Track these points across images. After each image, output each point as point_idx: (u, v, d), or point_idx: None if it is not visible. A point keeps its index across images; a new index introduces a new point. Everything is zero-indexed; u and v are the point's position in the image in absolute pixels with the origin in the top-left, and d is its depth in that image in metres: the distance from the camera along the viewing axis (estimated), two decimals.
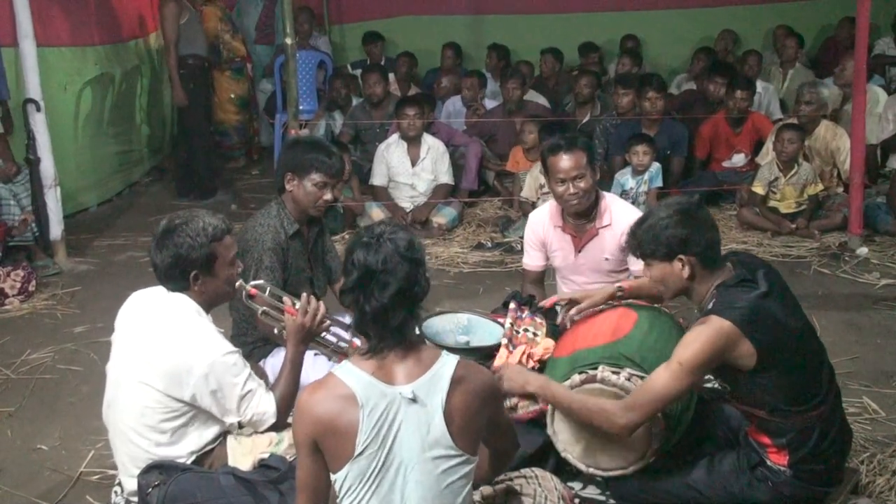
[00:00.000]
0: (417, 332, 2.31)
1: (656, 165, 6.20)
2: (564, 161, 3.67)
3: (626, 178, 6.23)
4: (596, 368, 2.80)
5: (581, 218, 3.82)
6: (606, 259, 3.83)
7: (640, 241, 2.74)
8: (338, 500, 2.16)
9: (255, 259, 3.53)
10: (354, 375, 2.13)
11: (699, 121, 6.98)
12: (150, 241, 2.85)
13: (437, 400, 2.12)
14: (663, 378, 2.56)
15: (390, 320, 2.13)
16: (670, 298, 2.88)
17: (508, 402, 2.97)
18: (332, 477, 2.15)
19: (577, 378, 2.82)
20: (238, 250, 3.59)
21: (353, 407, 2.08)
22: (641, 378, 2.75)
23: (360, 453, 2.08)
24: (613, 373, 2.77)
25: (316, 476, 2.15)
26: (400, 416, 2.10)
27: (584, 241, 3.84)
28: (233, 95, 8.24)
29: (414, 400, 2.10)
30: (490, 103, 7.89)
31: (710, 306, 2.63)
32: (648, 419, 2.62)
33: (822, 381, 2.70)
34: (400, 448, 2.10)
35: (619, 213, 3.79)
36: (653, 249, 2.71)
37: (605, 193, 3.93)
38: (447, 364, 2.17)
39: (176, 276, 2.78)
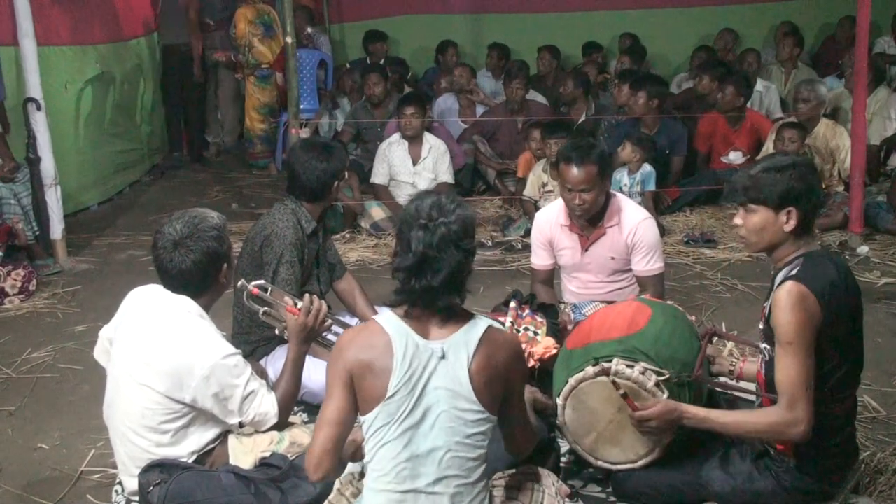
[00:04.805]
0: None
1: (648, 168, 6.19)
2: (574, 173, 3.68)
3: (622, 174, 6.23)
4: (610, 361, 2.80)
5: (589, 220, 3.84)
6: (612, 259, 3.86)
7: (758, 182, 2.63)
8: (364, 442, 2.30)
9: (276, 254, 3.55)
10: (393, 324, 2.29)
11: (699, 119, 6.98)
12: (150, 241, 2.82)
13: (464, 356, 2.27)
14: (789, 363, 2.53)
15: (431, 296, 2.28)
16: (755, 251, 2.79)
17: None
18: (362, 419, 2.28)
19: (590, 370, 2.82)
20: (256, 245, 3.61)
21: (389, 350, 2.25)
22: (655, 372, 2.75)
23: (392, 396, 2.23)
24: (628, 366, 2.78)
25: (342, 412, 2.28)
26: (430, 368, 2.25)
27: (591, 240, 3.86)
28: (258, 103, 8.13)
29: (443, 357, 2.26)
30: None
31: (793, 272, 2.59)
32: (811, 403, 2.55)
33: (854, 381, 2.72)
34: (428, 396, 2.25)
35: (628, 214, 3.82)
36: (767, 194, 2.62)
37: (616, 193, 3.93)
38: (478, 326, 2.33)
39: (201, 276, 2.75)
